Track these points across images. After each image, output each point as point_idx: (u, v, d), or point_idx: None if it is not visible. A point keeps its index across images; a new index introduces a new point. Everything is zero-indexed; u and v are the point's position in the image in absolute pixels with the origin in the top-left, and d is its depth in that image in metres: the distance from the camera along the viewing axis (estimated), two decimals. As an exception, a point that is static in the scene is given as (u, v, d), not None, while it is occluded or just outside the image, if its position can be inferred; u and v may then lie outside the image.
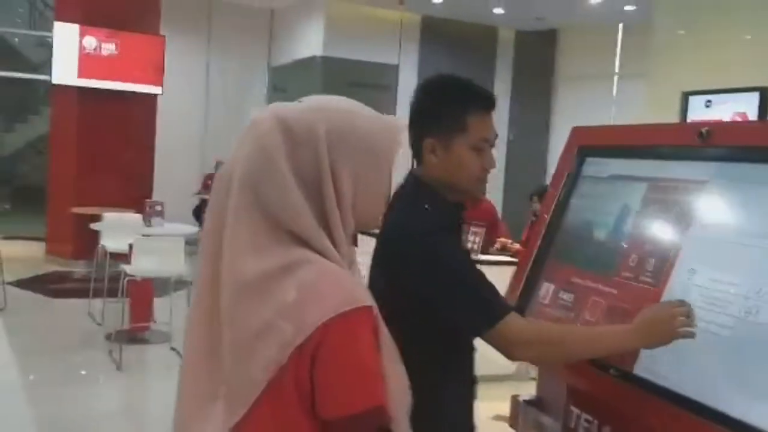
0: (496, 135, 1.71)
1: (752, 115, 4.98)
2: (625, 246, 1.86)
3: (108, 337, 5.47)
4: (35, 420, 4.07)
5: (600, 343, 1.60)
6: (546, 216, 2.18)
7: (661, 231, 1.78)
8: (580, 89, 10.91)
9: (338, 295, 1.05)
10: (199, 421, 1.13)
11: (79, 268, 7.90)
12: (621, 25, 10.27)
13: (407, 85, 9.82)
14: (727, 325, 1.54)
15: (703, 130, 1.73)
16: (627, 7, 9.12)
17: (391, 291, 1.67)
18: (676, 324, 1.48)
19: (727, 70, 5.36)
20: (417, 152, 1.72)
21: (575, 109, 10.31)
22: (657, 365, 1.63)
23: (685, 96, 5.50)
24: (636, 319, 1.54)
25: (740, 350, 1.50)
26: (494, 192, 11.18)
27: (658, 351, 1.58)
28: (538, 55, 11.47)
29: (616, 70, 10.47)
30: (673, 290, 1.68)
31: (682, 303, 1.51)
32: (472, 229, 5.07)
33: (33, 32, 12.49)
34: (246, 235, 1.09)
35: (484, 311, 1.56)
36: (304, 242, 1.09)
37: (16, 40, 13.15)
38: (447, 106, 1.66)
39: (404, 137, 1.24)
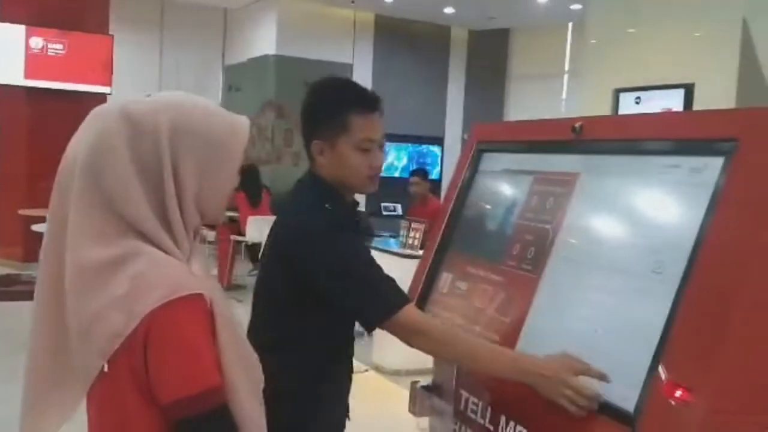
0: (384, 135, 1.79)
1: (678, 109, 5.14)
2: (510, 236, 1.95)
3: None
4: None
5: (490, 367, 1.63)
6: (447, 209, 2.27)
7: (540, 221, 1.87)
8: (532, 87, 11.09)
9: (165, 285, 1.09)
10: (46, 411, 1.17)
11: (32, 271, 7.81)
12: (570, 24, 10.46)
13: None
14: (592, 310, 1.64)
15: (576, 125, 1.82)
16: (573, 6, 9.30)
17: (284, 287, 1.74)
18: (563, 398, 1.49)
19: (657, 67, 5.52)
20: (309, 153, 1.79)
21: (528, 107, 10.49)
22: (536, 350, 1.72)
23: (616, 93, 5.66)
24: (536, 366, 1.54)
25: (601, 335, 1.60)
26: (450, 189, 11.32)
27: (538, 337, 1.70)
28: (491, 54, 11.61)
29: (566, 68, 10.67)
30: (548, 278, 1.77)
31: (575, 377, 1.49)
32: (413, 225, 5.18)
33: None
34: (88, 225, 1.11)
35: (384, 302, 1.63)
36: (142, 234, 1.13)
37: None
38: (329, 108, 1.73)
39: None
